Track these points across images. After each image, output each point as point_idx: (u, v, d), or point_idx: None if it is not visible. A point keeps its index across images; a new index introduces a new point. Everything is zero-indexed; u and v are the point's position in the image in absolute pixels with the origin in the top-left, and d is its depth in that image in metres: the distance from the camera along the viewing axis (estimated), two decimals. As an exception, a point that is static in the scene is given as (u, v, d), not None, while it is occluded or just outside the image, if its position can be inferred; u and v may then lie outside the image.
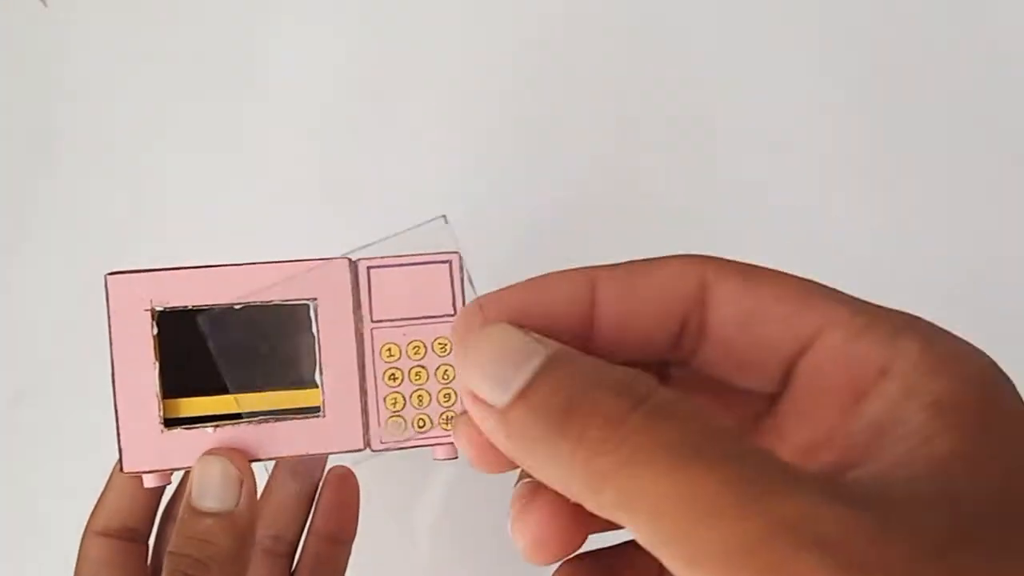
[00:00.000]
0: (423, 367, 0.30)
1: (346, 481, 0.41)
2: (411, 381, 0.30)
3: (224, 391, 0.30)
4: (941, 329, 0.19)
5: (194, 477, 0.30)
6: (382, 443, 0.30)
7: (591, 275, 0.21)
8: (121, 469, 0.30)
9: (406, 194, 0.51)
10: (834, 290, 0.20)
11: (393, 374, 0.30)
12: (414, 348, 0.30)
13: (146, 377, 0.29)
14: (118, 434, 0.29)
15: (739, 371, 0.22)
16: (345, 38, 0.53)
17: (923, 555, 0.14)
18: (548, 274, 0.22)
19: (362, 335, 0.30)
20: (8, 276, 0.53)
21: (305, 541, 0.41)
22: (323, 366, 0.30)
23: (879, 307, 0.20)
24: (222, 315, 0.29)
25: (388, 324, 0.30)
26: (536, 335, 0.20)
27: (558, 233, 0.51)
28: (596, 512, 0.17)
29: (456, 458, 0.31)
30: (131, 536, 0.37)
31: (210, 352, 0.29)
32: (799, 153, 0.51)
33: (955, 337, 0.19)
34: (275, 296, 0.29)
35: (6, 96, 0.54)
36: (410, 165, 0.52)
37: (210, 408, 0.30)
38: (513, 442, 0.18)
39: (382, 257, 0.30)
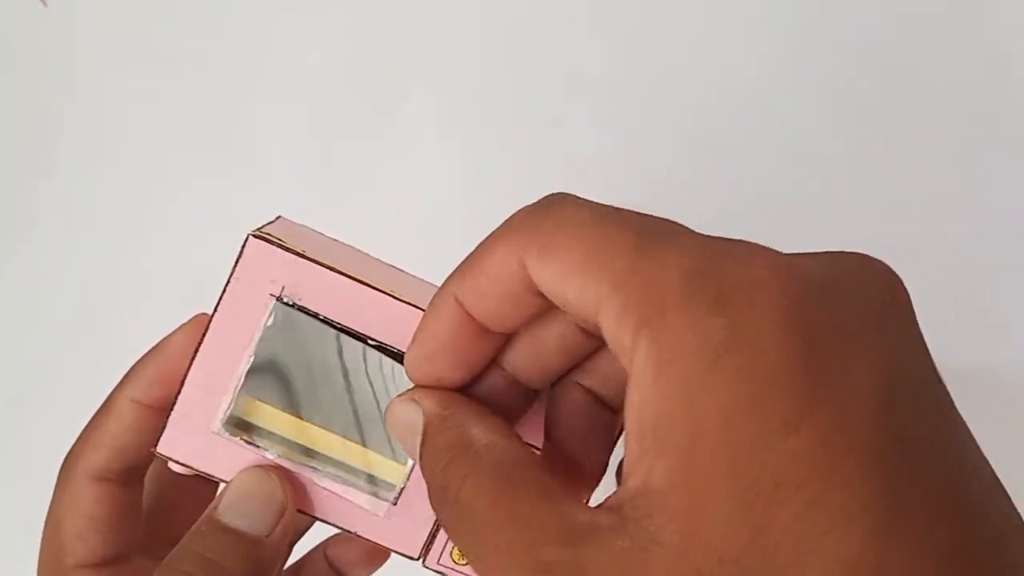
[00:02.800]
0: None
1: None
2: None
3: (307, 418, 0.25)
4: (698, 298, 0.17)
5: (231, 487, 0.24)
6: (439, 564, 0.26)
7: (451, 291, 0.21)
8: (154, 446, 0.25)
9: (407, 194, 0.51)
10: (614, 236, 0.18)
11: None
12: None
13: (231, 363, 0.24)
14: (171, 408, 0.24)
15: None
16: (347, 37, 0.53)
17: None
18: (426, 312, 0.21)
19: None
20: (8, 276, 0.53)
21: None
22: None
23: (644, 261, 0.17)
24: (347, 341, 0.24)
25: None
26: (416, 395, 0.21)
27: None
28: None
29: None
30: (130, 479, 0.28)
31: (314, 371, 0.24)
32: (798, 153, 0.51)
33: (701, 316, 0.16)
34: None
35: (6, 96, 0.54)
36: (411, 165, 0.52)
37: (282, 427, 0.25)
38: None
39: None
